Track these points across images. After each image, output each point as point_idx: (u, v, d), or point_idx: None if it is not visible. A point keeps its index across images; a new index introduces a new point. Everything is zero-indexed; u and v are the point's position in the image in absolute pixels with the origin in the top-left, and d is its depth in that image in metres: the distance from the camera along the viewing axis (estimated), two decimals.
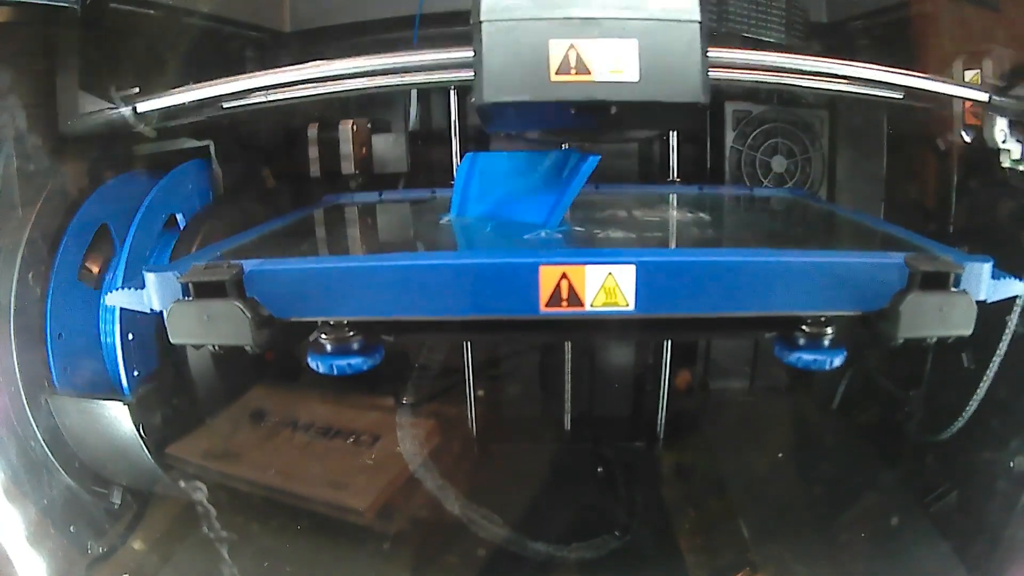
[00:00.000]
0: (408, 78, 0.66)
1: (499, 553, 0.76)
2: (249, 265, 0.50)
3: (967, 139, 0.75)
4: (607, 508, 0.85)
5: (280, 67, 0.67)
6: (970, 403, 0.72)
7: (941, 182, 0.89)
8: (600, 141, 0.76)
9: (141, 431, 0.65)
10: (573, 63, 0.52)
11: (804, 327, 0.54)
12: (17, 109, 0.64)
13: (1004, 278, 0.52)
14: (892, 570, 0.72)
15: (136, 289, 0.52)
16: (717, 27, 0.92)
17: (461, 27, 0.54)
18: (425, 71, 0.64)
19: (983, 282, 0.51)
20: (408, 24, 1.00)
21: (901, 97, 0.70)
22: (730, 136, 1.07)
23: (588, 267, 0.47)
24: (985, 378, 0.71)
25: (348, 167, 1.03)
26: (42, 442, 0.64)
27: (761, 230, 0.73)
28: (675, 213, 0.74)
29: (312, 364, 0.54)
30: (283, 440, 0.83)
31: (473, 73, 0.53)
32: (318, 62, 0.64)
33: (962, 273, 0.49)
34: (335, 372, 0.54)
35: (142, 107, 0.66)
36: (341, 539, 0.77)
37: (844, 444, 0.95)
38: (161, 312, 0.50)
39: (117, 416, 0.65)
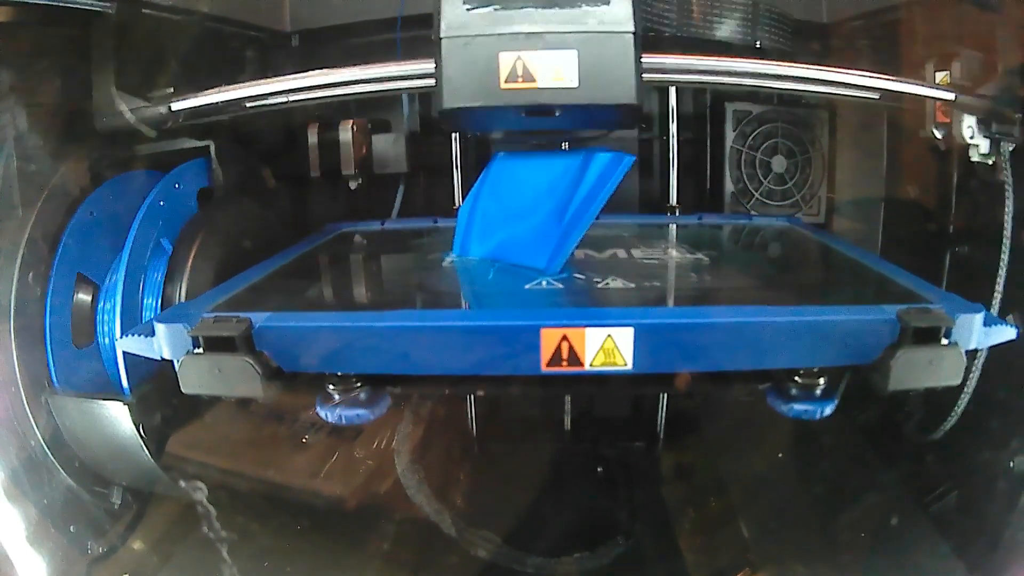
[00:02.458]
0: (394, 84, 0.71)
1: (498, 557, 0.76)
2: (258, 320, 0.51)
3: (938, 136, 0.78)
4: (608, 510, 0.85)
5: (295, 72, 0.72)
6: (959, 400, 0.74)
7: (939, 180, 0.89)
8: (553, 139, 0.80)
9: (141, 431, 0.65)
10: (520, 72, 0.58)
11: (797, 378, 0.56)
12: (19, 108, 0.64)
13: (996, 324, 0.53)
14: (892, 570, 0.72)
15: (146, 336, 0.53)
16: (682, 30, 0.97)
17: None
18: (403, 80, 0.71)
19: (974, 332, 0.52)
20: (409, 24, 1.00)
21: (877, 98, 0.73)
22: (730, 136, 1.07)
23: (588, 330, 0.49)
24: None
25: (348, 167, 1.03)
26: (42, 442, 0.64)
27: (757, 273, 0.73)
28: (674, 252, 0.75)
29: (321, 414, 0.56)
30: (276, 434, 0.83)
31: (434, 83, 0.60)
32: (321, 69, 0.71)
33: (953, 326, 0.50)
34: (343, 422, 0.56)
35: (176, 106, 0.71)
36: (340, 540, 0.78)
37: (844, 444, 0.95)
38: (172, 361, 0.52)
39: (117, 416, 0.65)
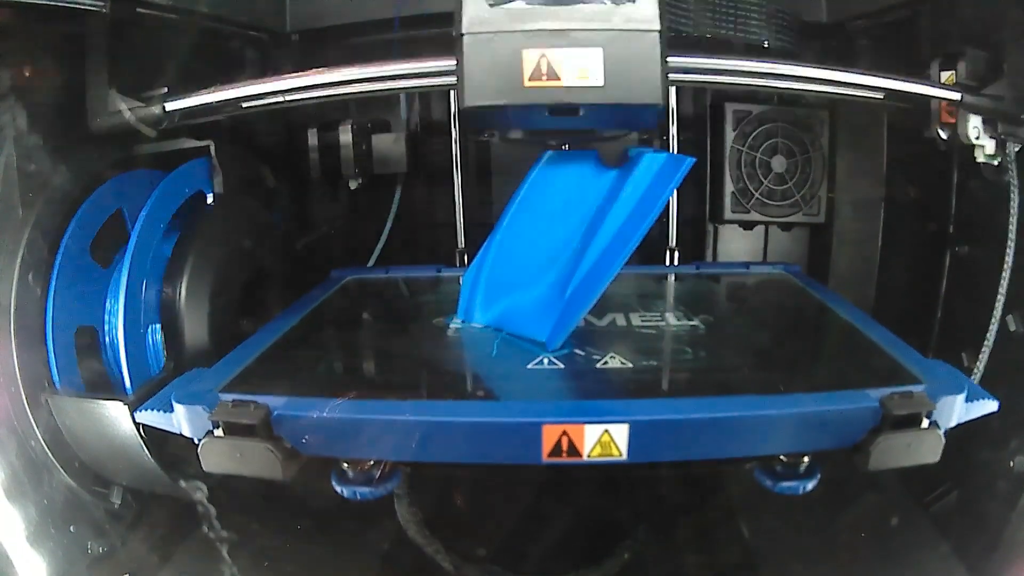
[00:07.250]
0: (414, 82, 0.71)
1: (498, 558, 0.76)
2: (275, 407, 0.54)
3: (943, 136, 0.76)
4: (609, 512, 0.85)
5: (295, 72, 0.72)
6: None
7: (939, 180, 0.89)
8: (575, 140, 0.79)
9: (141, 431, 0.65)
10: (544, 70, 0.57)
11: (782, 457, 0.59)
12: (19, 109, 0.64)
13: (979, 399, 0.54)
14: (892, 570, 0.72)
15: (165, 412, 0.56)
16: (700, 30, 0.96)
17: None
18: (418, 78, 0.69)
19: (956, 412, 0.53)
20: (409, 24, 1.00)
21: (882, 98, 0.73)
22: (730, 136, 1.07)
23: (587, 426, 0.52)
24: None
25: (348, 167, 1.03)
26: (42, 442, 0.64)
27: (749, 345, 0.74)
28: (671, 318, 0.77)
29: (337, 489, 0.59)
30: None
31: (455, 80, 0.60)
32: (323, 68, 0.71)
33: (934, 409, 0.52)
34: (358, 498, 0.59)
35: (170, 106, 0.70)
36: (340, 540, 0.78)
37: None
38: (192, 439, 0.55)
39: (117, 416, 0.64)
